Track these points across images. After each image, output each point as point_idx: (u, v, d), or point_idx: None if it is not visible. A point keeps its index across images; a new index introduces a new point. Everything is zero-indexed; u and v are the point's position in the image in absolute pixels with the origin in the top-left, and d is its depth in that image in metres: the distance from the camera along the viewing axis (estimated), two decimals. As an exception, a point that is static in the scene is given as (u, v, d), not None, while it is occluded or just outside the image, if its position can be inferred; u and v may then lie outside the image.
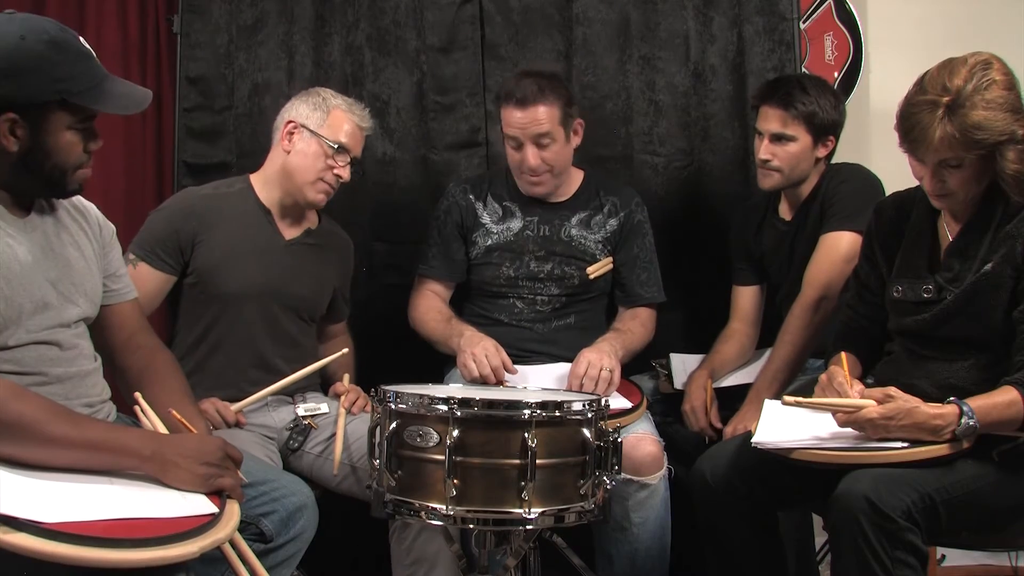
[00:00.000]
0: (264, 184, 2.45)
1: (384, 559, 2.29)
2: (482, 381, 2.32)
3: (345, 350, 2.49)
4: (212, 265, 2.35)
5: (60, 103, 1.63)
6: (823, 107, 2.50)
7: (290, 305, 2.43)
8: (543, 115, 2.49)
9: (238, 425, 2.28)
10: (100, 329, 1.89)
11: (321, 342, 2.66)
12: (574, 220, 2.66)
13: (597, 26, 2.99)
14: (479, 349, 2.34)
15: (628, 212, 2.68)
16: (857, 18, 3.45)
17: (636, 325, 2.62)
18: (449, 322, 2.57)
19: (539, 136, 2.50)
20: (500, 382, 2.31)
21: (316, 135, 2.38)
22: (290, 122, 2.41)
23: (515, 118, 2.50)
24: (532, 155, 2.52)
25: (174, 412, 1.78)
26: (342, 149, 2.38)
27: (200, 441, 1.69)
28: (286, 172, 2.41)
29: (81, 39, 1.69)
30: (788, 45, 2.96)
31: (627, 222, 2.68)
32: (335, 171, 2.39)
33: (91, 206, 1.92)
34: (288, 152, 2.40)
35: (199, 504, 1.55)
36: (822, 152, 2.55)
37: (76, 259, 1.81)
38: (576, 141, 2.62)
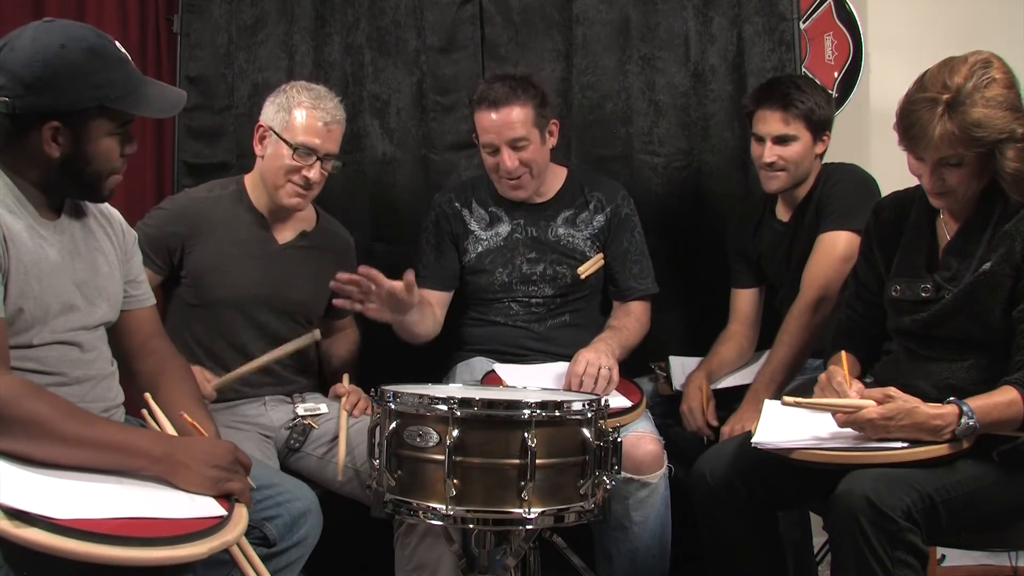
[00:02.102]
0: (254, 187, 2.44)
1: (386, 562, 2.29)
2: None
3: (316, 332, 2.47)
4: (204, 271, 2.35)
5: (99, 109, 1.65)
6: (819, 103, 2.52)
7: (284, 310, 2.43)
8: (516, 116, 2.48)
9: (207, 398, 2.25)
10: (116, 333, 1.90)
11: (326, 336, 2.65)
12: (559, 219, 2.66)
13: (597, 26, 2.99)
14: None
15: (615, 206, 2.68)
16: (857, 18, 3.45)
17: (631, 321, 2.62)
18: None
19: (514, 140, 2.50)
20: None
21: (280, 138, 2.34)
22: (260, 126, 2.40)
23: (489, 121, 2.49)
24: (509, 158, 2.51)
25: (185, 415, 1.78)
26: (304, 149, 2.33)
27: (211, 444, 1.69)
28: (262, 177, 2.40)
29: (117, 44, 1.70)
30: (788, 45, 2.96)
31: (614, 217, 2.67)
32: (302, 172, 2.34)
33: (116, 212, 1.94)
34: (262, 157, 2.39)
35: (208, 506, 1.56)
36: (820, 148, 2.57)
37: (101, 263, 1.82)
38: (552, 142, 2.61)
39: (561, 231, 2.65)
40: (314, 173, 2.35)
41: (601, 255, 2.65)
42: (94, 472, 1.56)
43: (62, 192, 1.74)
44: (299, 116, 2.33)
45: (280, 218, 2.44)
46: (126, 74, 1.69)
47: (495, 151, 2.52)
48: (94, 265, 1.79)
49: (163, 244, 2.35)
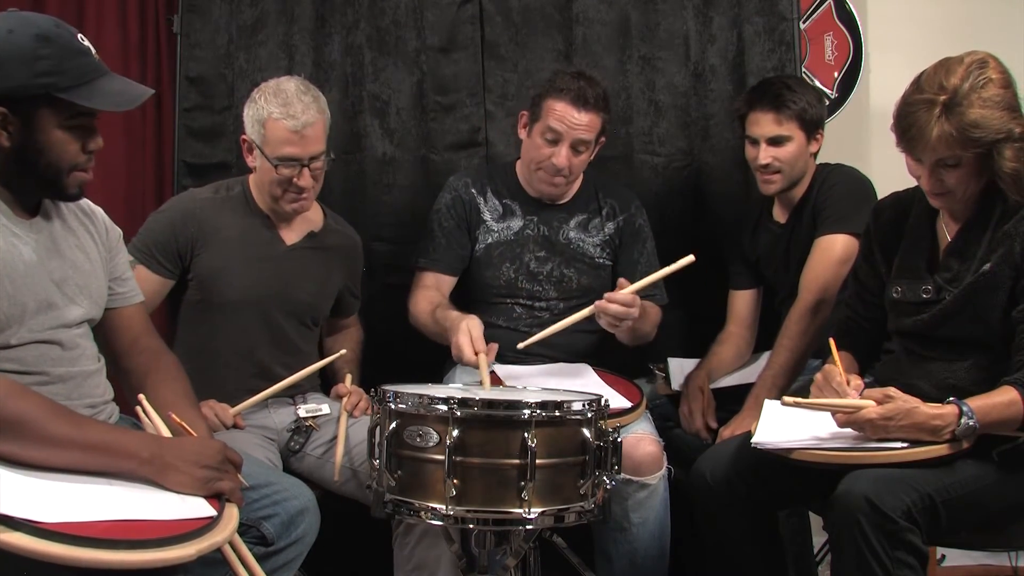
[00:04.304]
0: (256, 190, 2.42)
1: (385, 562, 2.29)
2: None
3: (343, 351, 2.48)
4: (212, 273, 2.34)
5: (47, 99, 1.62)
6: (810, 102, 2.54)
7: (291, 312, 2.42)
8: (592, 123, 2.49)
9: (236, 427, 2.27)
10: (105, 332, 1.89)
11: (331, 334, 2.65)
12: (572, 223, 2.66)
13: (597, 26, 2.99)
14: (459, 336, 2.29)
15: (628, 216, 2.67)
16: (857, 18, 3.45)
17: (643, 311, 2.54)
18: (434, 313, 2.51)
19: (580, 142, 2.50)
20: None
21: (262, 152, 2.29)
22: (243, 139, 2.35)
23: (569, 114, 2.47)
24: (566, 156, 2.50)
25: (173, 415, 1.77)
26: (287, 162, 2.27)
27: (199, 444, 1.68)
28: (258, 187, 2.39)
29: (79, 37, 1.67)
30: (788, 45, 2.96)
31: (626, 226, 2.67)
32: (293, 181, 2.30)
33: (99, 210, 1.92)
34: (253, 168, 2.37)
35: (198, 507, 1.55)
36: (814, 148, 2.59)
37: (82, 261, 1.80)
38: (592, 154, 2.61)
39: (572, 234, 2.65)
40: (304, 180, 2.30)
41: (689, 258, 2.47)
42: (82, 473, 1.55)
43: (26, 188, 1.71)
44: (272, 129, 2.27)
45: (286, 219, 2.43)
46: (81, 65, 1.64)
47: (556, 142, 2.50)
48: (74, 263, 1.78)
49: (173, 248, 2.33)
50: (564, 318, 2.60)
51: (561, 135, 2.49)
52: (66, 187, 1.70)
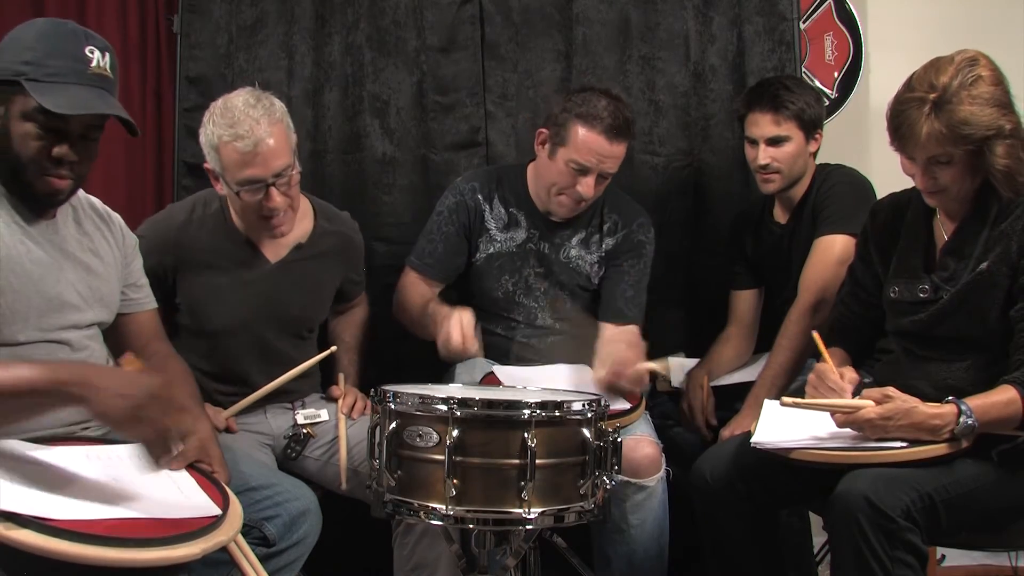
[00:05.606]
0: (233, 212, 2.29)
1: (386, 562, 2.29)
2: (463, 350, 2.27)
3: (333, 348, 2.43)
4: (198, 301, 2.29)
5: (20, 87, 1.62)
6: (808, 102, 2.54)
7: (282, 329, 2.37)
8: (623, 152, 2.44)
9: (228, 431, 2.25)
10: (117, 335, 1.90)
11: (335, 316, 2.62)
12: (574, 240, 2.61)
13: (597, 26, 2.99)
14: (451, 322, 2.24)
15: (628, 232, 2.61)
16: (857, 18, 3.46)
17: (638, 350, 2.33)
18: (426, 306, 2.46)
19: (608, 174, 2.45)
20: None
21: (225, 180, 2.17)
22: (207, 168, 2.22)
23: (601, 147, 2.39)
24: (591, 186, 2.43)
25: (129, 354, 1.77)
26: (249, 186, 2.13)
27: (131, 375, 1.60)
28: (235, 215, 2.29)
29: (88, 48, 1.66)
30: (788, 45, 2.96)
31: (625, 241, 2.61)
32: (264, 204, 2.15)
33: (116, 216, 1.93)
34: (224, 194, 2.25)
35: (202, 506, 1.56)
36: (813, 147, 2.59)
37: (96, 265, 1.82)
38: None
39: (573, 252, 2.61)
40: (275, 200, 2.15)
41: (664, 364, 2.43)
42: (27, 420, 1.49)
43: (13, 186, 1.68)
44: (226, 153, 2.11)
45: (265, 239, 2.31)
46: (64, 67, 1.63)
47: (583, 172, 2.42)
48: (88, 266, 1.79)
49: (152, 275, 2.14)
50: (563, 328, 2.59)
51: (591, 167, 2.41)
52: (32, 186, 1.67)
